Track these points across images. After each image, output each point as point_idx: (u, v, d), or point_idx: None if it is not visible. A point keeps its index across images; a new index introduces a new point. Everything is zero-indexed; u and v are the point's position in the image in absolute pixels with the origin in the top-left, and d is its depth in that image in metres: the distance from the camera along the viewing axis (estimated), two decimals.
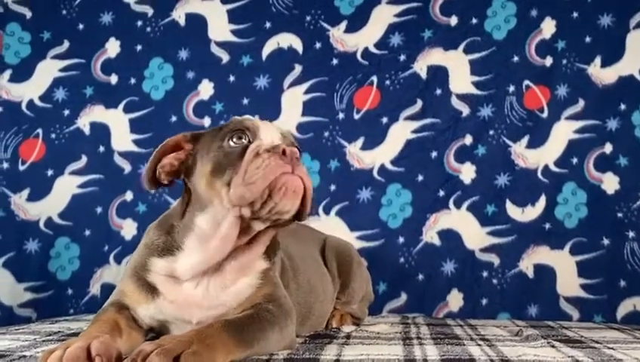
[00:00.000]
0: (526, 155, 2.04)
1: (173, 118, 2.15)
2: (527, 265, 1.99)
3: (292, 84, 2.15)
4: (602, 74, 2.03)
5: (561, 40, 2.06)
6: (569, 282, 1.96)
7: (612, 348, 1.24)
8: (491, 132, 2.06)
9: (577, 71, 2.04)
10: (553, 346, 1.22)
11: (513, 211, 2.02)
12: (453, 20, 2.12)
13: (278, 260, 1.25)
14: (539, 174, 2.02)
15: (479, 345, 1.24)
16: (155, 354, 0.83)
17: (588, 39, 2.05)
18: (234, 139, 1.10)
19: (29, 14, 2.21)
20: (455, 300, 2.00)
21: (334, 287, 1.60)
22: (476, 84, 2.09)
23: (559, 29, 2.06)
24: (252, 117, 1.16)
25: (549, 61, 2.06)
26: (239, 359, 0.97)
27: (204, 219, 1.12)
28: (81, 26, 2.21)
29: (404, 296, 2.02)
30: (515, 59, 2.08)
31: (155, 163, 1.17)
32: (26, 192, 2.12)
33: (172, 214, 1.20)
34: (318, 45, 2.15)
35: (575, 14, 2.06)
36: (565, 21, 2.06)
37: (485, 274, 2.00)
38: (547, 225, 2.00)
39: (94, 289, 2.07)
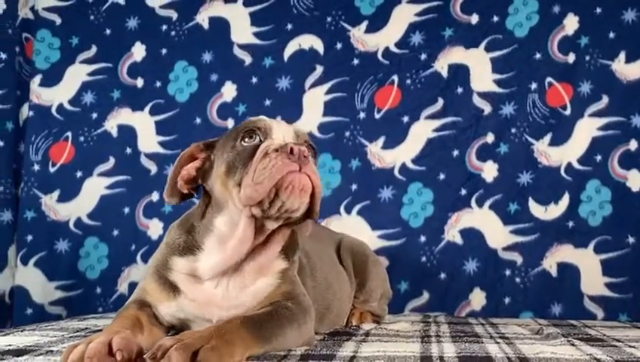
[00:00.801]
0: (549, 153, 2.02)
1: (198, 120, 2.19)
2: (550, 263, 1.97)
3: (313, 85, 2.16)
4: (627, 70, 2.00)
5: (584, 36, 2.03)
6: (593, 281, 1.94)
7: (633, 347, 1.22)
8: (513, 130, 2.05)
9: (601, 67, 2.01)
10: (573, 344, 1.21)
11: (536, 209, 2.00)
12: (474, 18, 2.11)
13: (297, 260, 1.26)
14: (562, 172, 2.00)
15: (498, 343, 1.24)
16: (174, 349, 0.85)
17: (612, 35, 2.02)
18: (246, 139, 1.11)
19: (58, 20, 2.27)
20: (477, 299, 2.00)
21: (351, 286, 1.60)
22: (498, 82, 2.08)
23: (582, 25, 2.04)
24: (266, 117, 1.17)
25: (571, 58, 2.03)
26: (257, 354, 0.98)
27: (222, 220, 1.14)
28: (108, 31, 2.26)
29: (426, 295, 2.02)
30: (537, 56, 2.06)
31: (175, 176, 1.18)
32: (56, 193, 2.19)
33: (193, 214, 1.22)
34: (339, 46, 2.17)
35: (598, 10, 2.03)
36: (588, 17, 2.04)
37: (508, 272, 1.99)
38: (571, 224, 1.98)
39: (122, 287, 2.13)
